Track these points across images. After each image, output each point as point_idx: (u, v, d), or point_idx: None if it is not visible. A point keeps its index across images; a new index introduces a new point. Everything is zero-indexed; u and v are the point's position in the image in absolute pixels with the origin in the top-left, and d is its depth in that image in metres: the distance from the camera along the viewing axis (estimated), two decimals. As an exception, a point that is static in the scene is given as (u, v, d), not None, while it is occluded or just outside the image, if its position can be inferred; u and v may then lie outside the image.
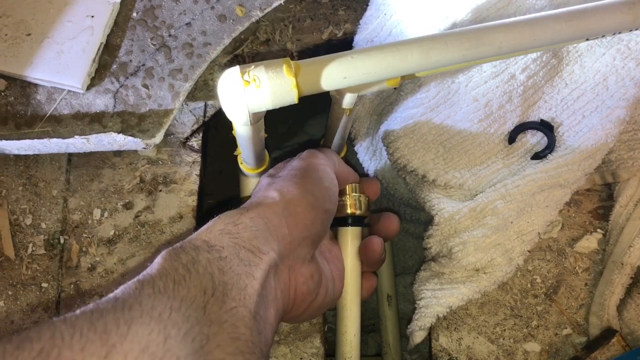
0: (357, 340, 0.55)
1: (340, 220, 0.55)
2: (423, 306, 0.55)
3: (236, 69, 0.41)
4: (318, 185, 0.48)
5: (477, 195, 0.55)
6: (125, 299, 0.33)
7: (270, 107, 0.42)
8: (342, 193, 0.55)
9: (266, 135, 0.54)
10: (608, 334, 0.53)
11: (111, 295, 0.34)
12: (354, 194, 0.56)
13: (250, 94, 0.41)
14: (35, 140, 0.50)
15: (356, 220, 0.56)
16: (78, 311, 0.32)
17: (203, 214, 0.63)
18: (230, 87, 0.41)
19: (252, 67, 0.41)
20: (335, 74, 0.42)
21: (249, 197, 0.66)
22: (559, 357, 0.55)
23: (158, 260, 0.37)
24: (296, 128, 0.94)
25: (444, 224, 0.55)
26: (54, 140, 0.50)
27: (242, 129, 0.47)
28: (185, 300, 0.34)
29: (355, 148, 0.68)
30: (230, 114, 0.43)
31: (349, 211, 0.55)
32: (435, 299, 0.54)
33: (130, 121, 0.53)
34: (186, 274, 0.36)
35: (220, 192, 0.84)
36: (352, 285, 0.54)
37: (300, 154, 0.52)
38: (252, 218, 0.43)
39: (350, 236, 0.55)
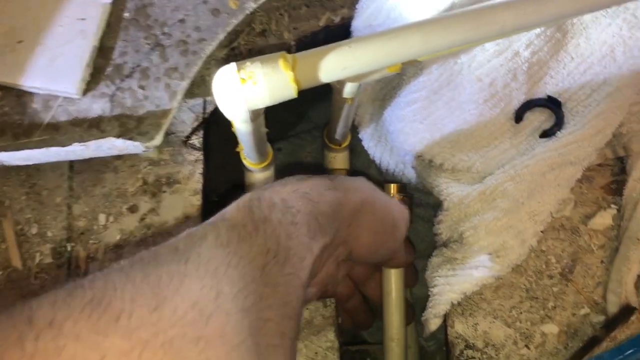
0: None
1: None
2: (437, 293, 0.54)
3: (232, 66, 0.40)
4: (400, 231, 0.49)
5: (485, 177, 0.54)
6: (184, 251, 0.33)
7: (268, 104, 0.41)
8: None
9: (267, 130, 0.53)
10: (627, 311, 0.52)
11: (173, 241, 0.34)
12: (396, 194, 0.56)
13: (247, 91, 0.40)
14: (35, 150, 0.49)
15: None
16: (137, 256, 0.32)
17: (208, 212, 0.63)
18: (227, 86, 0.40)
19: (248, 63, 0.40)
20: (335, 65, 0.41)
21: (254, 192, 0.66)
22: (578, 337, 0.54)
23: (232, 208, 0.37)
24: (300, 115, 0.93)
25: (454, 209, 0.54)
26: (53, 149, 0.49)
27: (241, 126, 0.46)
28: (245, 258, 0.34)
29: (360, 135, 0.67)
30: (227, 113, 0.42)
31: None
32: (449, 285, 0.53)
33: (128, 124, 0.52)
34: (253, 232, 0.36)
35: (224, 186, 0.83)
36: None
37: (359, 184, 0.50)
38: (336, 195, 0.42)
39: None
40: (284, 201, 0.39)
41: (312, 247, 0.39)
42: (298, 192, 0.41)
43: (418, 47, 0.41)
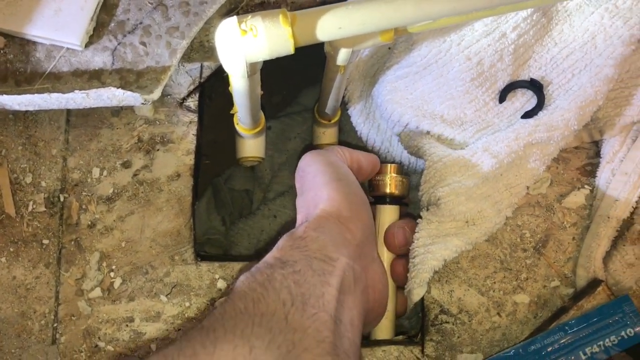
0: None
1: (379, 199, 0.58)
2: (418, 263, 0.55)
3: (233, 18, 0.42)
4: (352, 185, 0.50)
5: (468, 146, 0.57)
6: (209, 325, 0.36)
7: (267, 57, 0.43)
8: (381, 172, 0.58)
9: (262, 93, 0.55)
10: (594, 284, 0.55)
11: (198, 325, 0.37)
12: (393, 174, 0.58)
13: (247, 43, 0.42)
14: (36, 95, 0.51)
15: (394, 200, 0.58)
16: (170, 346, 0.36)
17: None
18: (228, 37, 0.42)
19: (249, 16, 0.42)
20: (331, 24, 0.43)
21: (245, 158, 0.68)
22: (547, 308, 0.56)
23: (237, 284, 0.40)
24: (290, 98, 0.94)
25: (434, 167, 0.55)
26: (54, 95, 0.51)
27: (239, 82, 0.48)
28: (266, 314, 0.37)
29: (349, 111, 0.69)
30: (227, 65, 0.44)
31: (388, 190, 0.58)
32: (430, 253, 0.55)
33: (128, 78, 0.54)
34: (264, 292, 0.39)
35: (216, 161, 0.85)
36: (387, 261, 0.57)
37: (305, 158, 0.53)
38: (316, 229, 0.45)
39: (388, 215, 0.57)
40: (278, 259, 0.42)
41: (328, 280, 0.41)
42: (284, 248, 0.44)
43: (410, 12, 0.44)
